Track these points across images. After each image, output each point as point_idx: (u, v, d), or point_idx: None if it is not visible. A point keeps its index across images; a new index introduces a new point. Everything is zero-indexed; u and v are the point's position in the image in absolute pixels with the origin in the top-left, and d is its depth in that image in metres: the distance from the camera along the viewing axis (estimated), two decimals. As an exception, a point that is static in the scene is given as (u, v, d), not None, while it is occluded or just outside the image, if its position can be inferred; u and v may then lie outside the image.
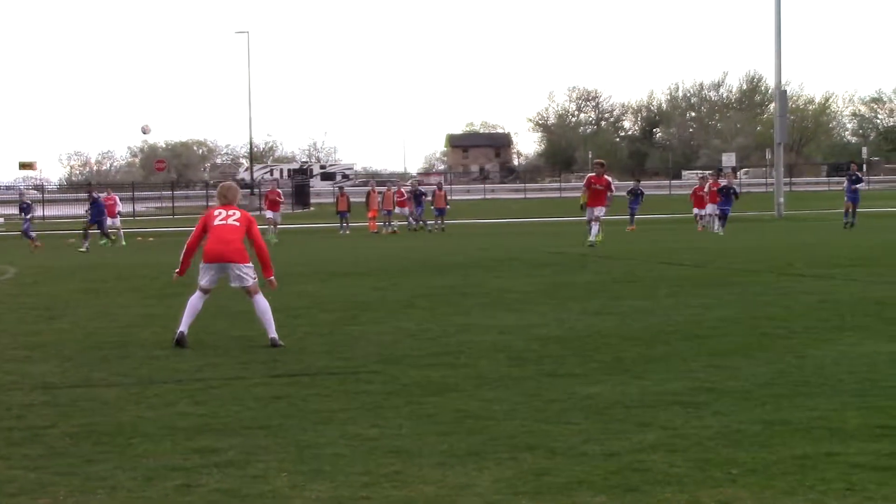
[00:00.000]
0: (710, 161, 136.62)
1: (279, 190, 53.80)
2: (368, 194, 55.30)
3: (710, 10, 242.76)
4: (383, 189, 56.70)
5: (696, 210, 47.76)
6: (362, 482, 7.83)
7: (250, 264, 14.54)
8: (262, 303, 14.34)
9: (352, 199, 54.72)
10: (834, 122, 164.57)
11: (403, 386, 11.58)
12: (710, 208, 44.78)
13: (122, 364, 13.33)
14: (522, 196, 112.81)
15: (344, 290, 21.73)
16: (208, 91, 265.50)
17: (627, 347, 13.79)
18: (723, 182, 44.34)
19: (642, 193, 51.28)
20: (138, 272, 27.97)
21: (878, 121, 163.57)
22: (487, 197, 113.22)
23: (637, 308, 17.75)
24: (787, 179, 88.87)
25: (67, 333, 16.14)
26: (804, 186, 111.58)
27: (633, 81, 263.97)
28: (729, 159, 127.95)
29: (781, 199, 59.49)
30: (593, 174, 33.66)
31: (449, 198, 59.17)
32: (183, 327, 14.43)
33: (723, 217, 42.55)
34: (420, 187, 58.78)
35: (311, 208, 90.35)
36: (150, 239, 50.09)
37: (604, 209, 33.10)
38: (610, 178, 33.73)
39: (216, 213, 14.65)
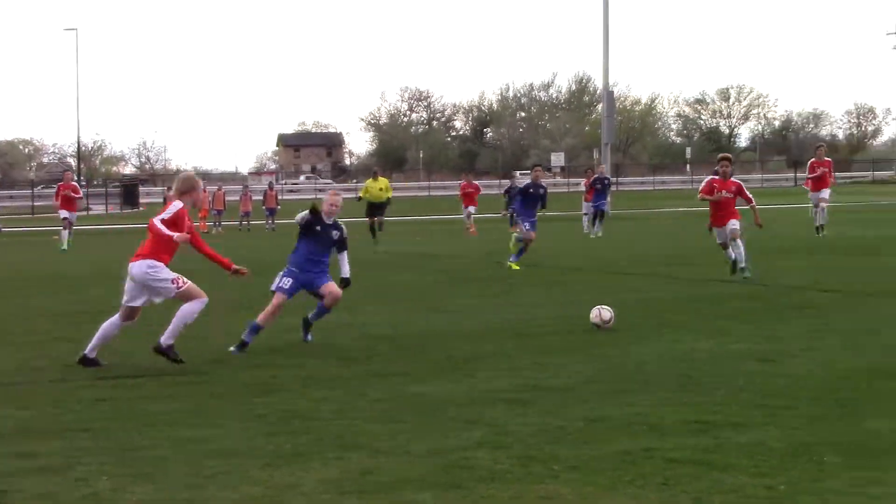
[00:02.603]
0: (539, 161, 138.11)
1: (75, 183, 40.72)
2: (199, 194, 54.90)
3: (540, 11, 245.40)
4: (214, 189, 56.35)
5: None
6: (186, 484, 7.77)
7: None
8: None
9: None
10: (659, 123, 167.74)
11: (231, 387, 11.52)
12: (586, 206, 42.49)
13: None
14: (354, 196, 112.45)
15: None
16: (35, 89, 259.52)
17: (457, 346, 13.91)
18: (595, 175, 41.92)
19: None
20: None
21: (702, 122, 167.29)
22: (318, 196, 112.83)
23: (467, 307, 17.93)
24: (615, 179, 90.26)
25: None
26: (630, 186, 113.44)
27: (465, 82, 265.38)
28: (558, 159, 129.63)
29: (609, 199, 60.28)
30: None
31: (280, 198, 59.05)
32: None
33: (601, 215, 40.10)
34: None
35: (142, 208, 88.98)
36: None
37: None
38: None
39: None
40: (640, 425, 9.35)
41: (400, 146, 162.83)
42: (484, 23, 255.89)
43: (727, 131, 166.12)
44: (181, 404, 10.69)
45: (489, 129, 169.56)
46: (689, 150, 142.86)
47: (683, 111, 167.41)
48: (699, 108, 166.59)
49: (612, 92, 70.54)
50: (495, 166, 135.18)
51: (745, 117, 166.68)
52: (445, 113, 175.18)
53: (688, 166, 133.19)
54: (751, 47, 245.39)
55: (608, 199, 41.79)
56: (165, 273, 12.64)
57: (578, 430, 9.25)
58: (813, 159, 33.91)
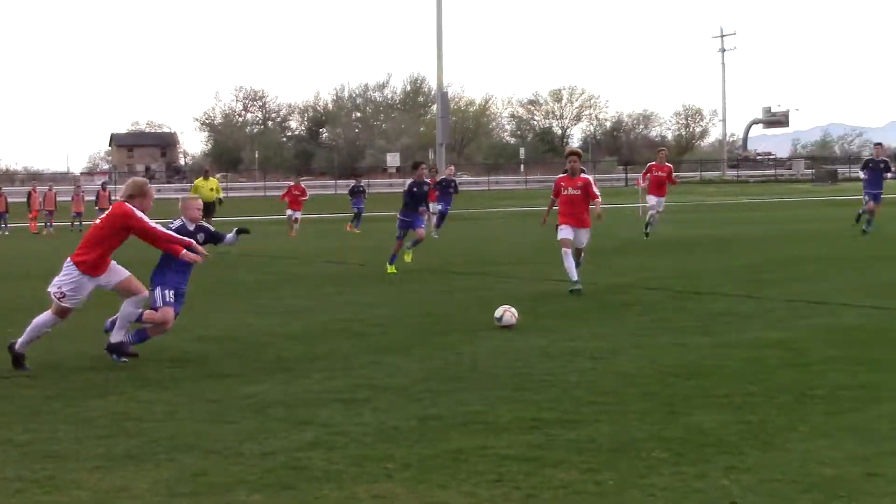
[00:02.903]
0: (375, 161, 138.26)
1: None
2: (29, 194, 53.90)
3: (374, 12, 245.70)
4: (44, 189, 55.28)
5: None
6: (13, 489, 7.63)
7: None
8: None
9: (10, 200, 53.03)
10: (494, 124, 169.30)
11: (64, 389, 11.32)
12: (431, 206, 40.07)
13: None
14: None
15: (1, 293, 21.02)
16: None
17: (290, 346, 13.87)
18: (444, 176, 41.51)
19: (364, 190, 48.19)
20: None
21: (535, 122, 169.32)
22: (155, 196, 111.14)
23: (300, 307, 17.87)
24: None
25: None
26: (466, 186, 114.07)
27: (300, 82, 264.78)
28: (394, 159, 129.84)
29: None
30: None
31: (114, 198, 58.05)
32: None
33: (441, 217, 39.41)
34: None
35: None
36: None
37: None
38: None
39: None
40: (474, 423, 9.44)
41: (235, 146, 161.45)
42: (319, 23, 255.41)
43: (560, 132, 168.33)
44: (9, 407, 10.48)
45: (325, 130, 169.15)
46: (522, 150, 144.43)
47: (517, 112, 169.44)
48: (532, 108, 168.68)
49: (447, 93, 71.00)
50: (331, 167, 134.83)
51: (578, 118, 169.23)
52: (281, 113, 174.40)
53: (522, 166, 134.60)
54: (582, 50, 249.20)
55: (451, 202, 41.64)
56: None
57: (413, 428, 9.30)
58: (653, 162, 33.57)
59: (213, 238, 14.21)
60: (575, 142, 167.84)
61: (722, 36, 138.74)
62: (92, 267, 12.61)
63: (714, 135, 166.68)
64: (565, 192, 19.66)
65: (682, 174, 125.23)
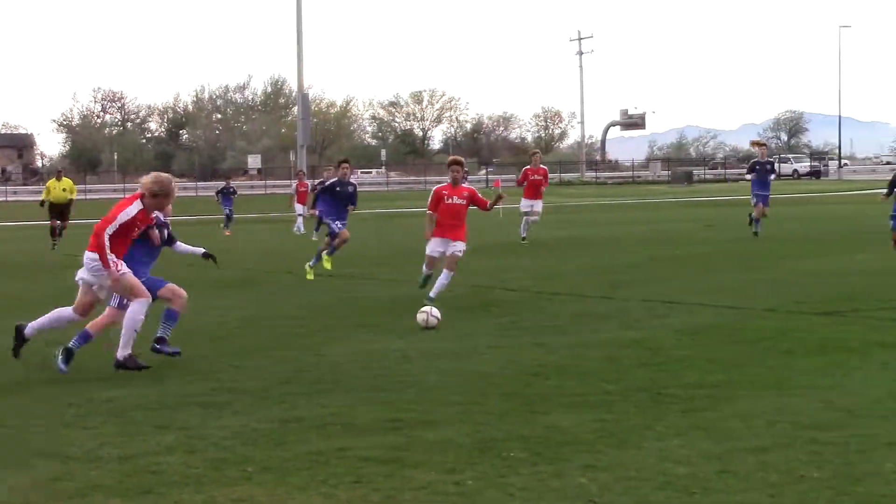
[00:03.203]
0: (236, 163, 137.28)
1: None
2: None
3: (234, 13, 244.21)
4: None
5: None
6: None
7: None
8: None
9: None
10: (355, 125, 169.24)
11: (-88, 396, 11.09)
12: (301, 208, 41.57)
13: None
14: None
15: None
16: None
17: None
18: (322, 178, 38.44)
19: (234, 192, 46.29)
20: None
21: (396, 124, 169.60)
22: (9, 199, 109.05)
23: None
24: (312, 181, 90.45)
25: None
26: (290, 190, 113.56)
27: (159, 83, 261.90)
28: (255, 161, 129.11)
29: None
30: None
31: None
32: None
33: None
34: None
35: None
36: None
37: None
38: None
39: None
40: (334, 425, 9.46)
41: (94, 148, 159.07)
42: (178, 24, 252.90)
43: (421, 133, 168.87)
44: None
45: (185, 131, 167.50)
46: (384, 151, 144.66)
47: (378, 114, 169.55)
48: (393, 110, 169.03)
49: (308, 94, 70.87)
50: (191, 168, 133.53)
51: (438, 120, 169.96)
52: (140, 114, 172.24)
53: (383, 168, 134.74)
54: (443, 52, 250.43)
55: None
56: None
57: (273, 431, 9.29)
58: (528, 166, 32.60)
59: (171, 240, 13.92)
60: (436, 143, 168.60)
61: (580, 39, 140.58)
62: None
63: (573, 137, 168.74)
64: (448, 201, 18.01)
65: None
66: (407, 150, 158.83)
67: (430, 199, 18.12)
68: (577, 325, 15.27)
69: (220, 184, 48.51)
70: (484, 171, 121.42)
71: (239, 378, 11.76)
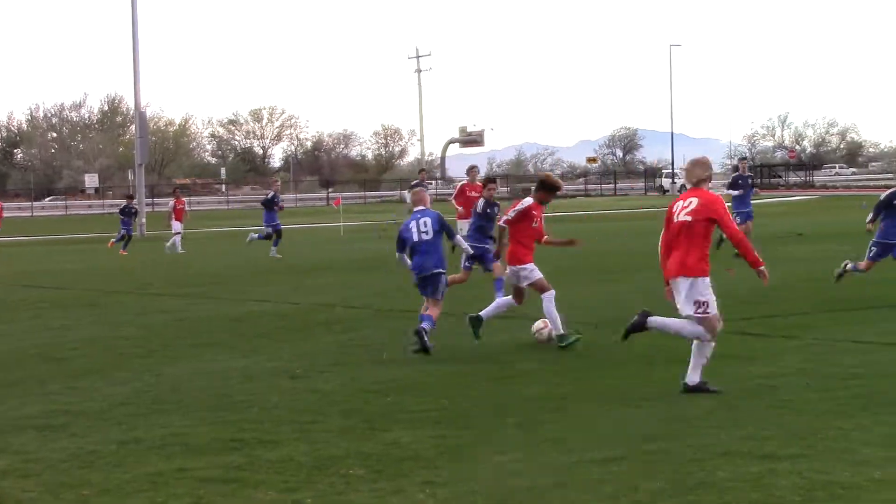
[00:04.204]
0: (72, 182, 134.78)
1: None
2: None
3: (68, 30, 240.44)
4: None
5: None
6: None
7: None
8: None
9: None
10: (194, 144, 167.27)
11: None
12: (178, 226, 41.44)
13: None
14: None
15: None
16: None
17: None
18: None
19: (136, 212, 44.81)
20: None
21: (236, 142, 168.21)
22: None
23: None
24: (150, 200, 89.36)
25: None
26: (165, 207, 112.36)
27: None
28: (92, 180, 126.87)
29: (143, 220, 59.75)
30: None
31: None
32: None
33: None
34: None
35: None
36: None
37: None
38: None
39: None
40: (174, 446, 9.40)
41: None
42: (10, 42, 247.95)
43: (261, 151, 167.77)
44: None
45: (19, 150, 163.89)
46: (223, 170, 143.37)
47: (217, 132, 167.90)
48: (233, 128, 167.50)
49: (145, 113, 69.95)
50: (28, 188, 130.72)
51: (279, 138, 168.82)
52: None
53: (224, 186, 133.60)
54: (282, 69, 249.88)
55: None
56: None
57: (111, 453, 9.19)
58: (465, 182, 30.46)
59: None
60: (276, 161, 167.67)
61: (418, 57, 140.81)
62: None
63: (413, 154, 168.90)
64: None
65: (382, 193, 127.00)
66: (247, 169, 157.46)
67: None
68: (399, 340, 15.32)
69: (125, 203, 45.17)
70: (325, 192, 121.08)
71: (76, 400, 11.61)
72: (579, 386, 11.82)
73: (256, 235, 35.39)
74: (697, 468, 8.33)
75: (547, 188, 15.27)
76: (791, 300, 18.52)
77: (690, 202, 11.27)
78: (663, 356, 13.34)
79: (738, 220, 28.70)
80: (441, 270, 15.01)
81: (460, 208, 28.95)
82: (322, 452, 9.04)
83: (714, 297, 11.24)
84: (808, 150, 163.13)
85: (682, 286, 11.22)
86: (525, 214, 14.96)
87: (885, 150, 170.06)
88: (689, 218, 11.20)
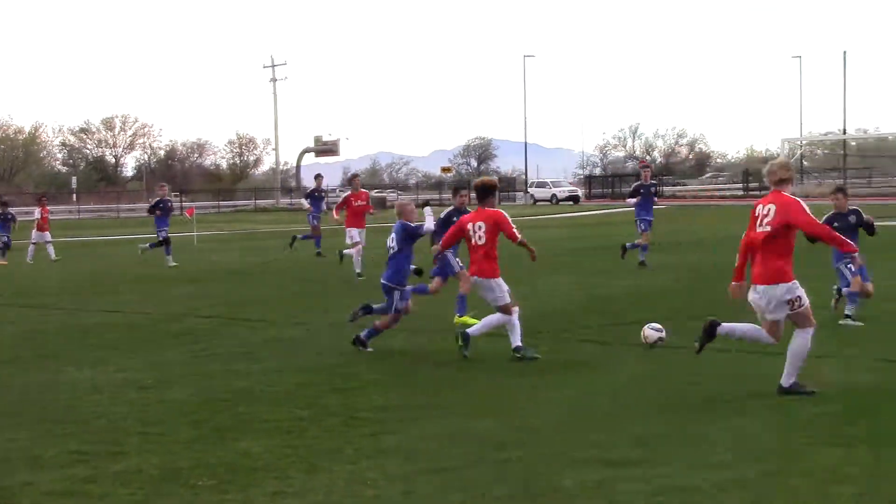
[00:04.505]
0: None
1: None
2: None
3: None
4: None
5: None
6: None
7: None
8: None
9: None
10: (44, 152, 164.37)
11: None
12: (38, 236, 40.92)
13: None
14: None
15: None
16: None
17: None
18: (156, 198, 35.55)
19: (13, 218, 43.79)
20: None
21: (88, 151, 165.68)
22: None
23: None
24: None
25: None
26: (22, 217, 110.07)
27: None
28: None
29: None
30: None
31: None
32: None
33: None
34: None
35: None
36: None
37: None
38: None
39: None
40: (18, 459, 9.26)
41: None
42: None
43: (114, 160, 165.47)
44: None
45: None
46: (74, 179, 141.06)
47: (69, 140, 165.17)
48: (84, 137, 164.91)
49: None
50: None
51: (131, 146, 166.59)
52: None
53: (74, 196, 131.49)
54: (134, 77, 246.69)
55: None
56: None
57: (-47, 468, 9.02)
58: (349, 192, 28.76)
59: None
60: (129, 170, 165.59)
61: (273, 66, 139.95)
62: None
63: (268, 163, 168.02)
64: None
65: (237, 202, 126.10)
66: (99, 178, 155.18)
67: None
68: (269, 350, 15.31)
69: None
70: (179, 200, 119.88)
71: (-84, 414, 11.36)
72: (423, 397, 11.88)
73: (149, 245, 35.04)
74: (545, 475, 8.45)
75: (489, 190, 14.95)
76: (636, 309, 18.87)
77: (769, 210, 11.63)
78: (517, 367, 13.53)
79: (642, 227, 29.34)
80: (389, 284, 15.31)
81: (338, 216, 28.67)
82: (170, 464, 8.98)
83: (804, 292, 11.59)
84: (659, 160, 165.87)
85: (770, 293, 11.51)
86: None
87: (732, 160, 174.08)
88: (768, 228, 11.52)
